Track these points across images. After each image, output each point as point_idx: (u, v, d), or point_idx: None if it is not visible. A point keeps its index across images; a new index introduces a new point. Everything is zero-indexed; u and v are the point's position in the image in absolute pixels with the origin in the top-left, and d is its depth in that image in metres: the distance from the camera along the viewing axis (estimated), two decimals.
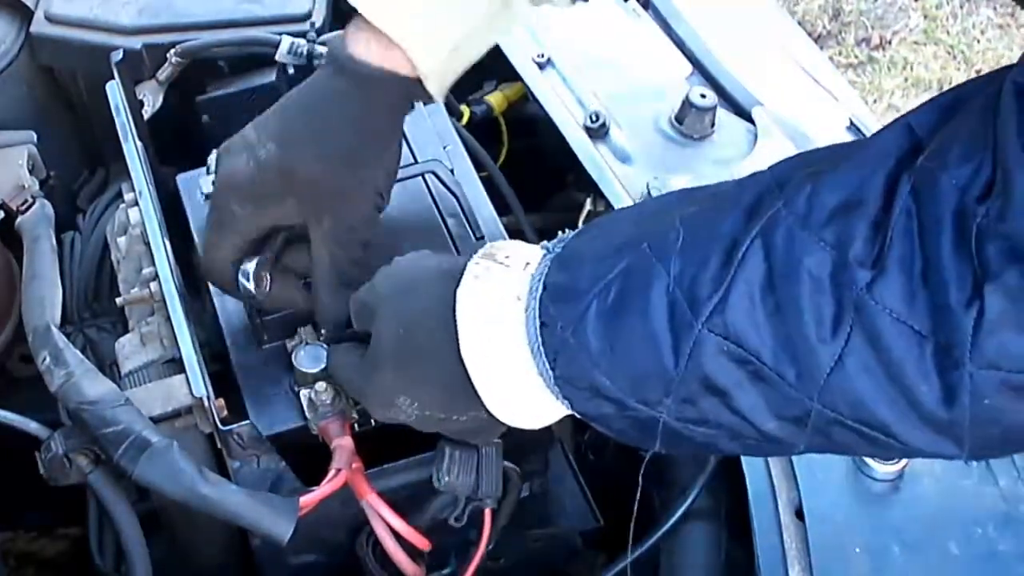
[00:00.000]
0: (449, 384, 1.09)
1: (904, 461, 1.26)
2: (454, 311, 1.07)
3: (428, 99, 1.28)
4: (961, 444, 0.87)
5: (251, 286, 1.29)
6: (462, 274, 1.08)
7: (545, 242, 1.08)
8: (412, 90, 1.26)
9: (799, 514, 1.24)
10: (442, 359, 1.08)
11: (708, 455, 1.07)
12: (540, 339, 1.01)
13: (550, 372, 1.01)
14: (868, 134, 1.63)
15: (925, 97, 3.94)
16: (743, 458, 1.29)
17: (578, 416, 1.04)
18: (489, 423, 1.11)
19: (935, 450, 0.89)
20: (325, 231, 1.28)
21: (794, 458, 1.28)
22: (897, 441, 0.88)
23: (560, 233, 1.09)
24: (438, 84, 1.25)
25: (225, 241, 1.30)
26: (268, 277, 1.30)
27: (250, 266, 1.29)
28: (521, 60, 1.74)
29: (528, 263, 1.06)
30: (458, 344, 1.06)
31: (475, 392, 1.07)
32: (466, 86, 1.83)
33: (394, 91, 1.25)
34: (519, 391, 1.06)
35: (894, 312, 0.84)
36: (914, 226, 0.84)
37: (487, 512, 1.29)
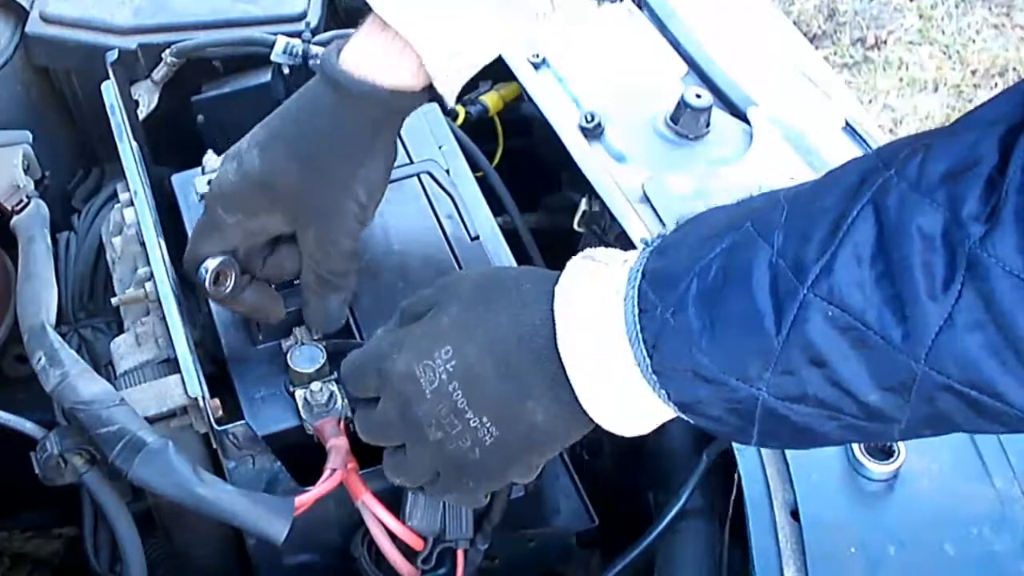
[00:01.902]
0: (546, 387, 1.06)
1: (900, 461, 1.26)
2: (551, 314, 1.05)
3: (417, 105, 1.27)
4: None
5: (207, 283, 1.30)
6: (558, 274, 1.07)
7: (644, 237, 1.06)
8: (400, 104, 1.25)
9: (794, 515, 1.24)
10: (537, 353, 1.06)
11: (802, 446, 1.02)
12: (639, 326, 0.99)
13: (647, 360, 0.98)
14: (864, 135, 1.64)
15: (921, 97, 3.94)
16: (738, 457, 1.29)
17: (675, 411, 1.01)
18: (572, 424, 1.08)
19: None
20: (310, 241, 1.29)
21: (789, 458, 1.28)
22: (1005, 403, 0.87)
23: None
24: (448, 86, 1.24)
25: (207, 242, 1.31)
26: (233, 278, 1.31)
27: (211, 263, 1.30)
28: (516, 60, 1.74)
29: (626, 260, 1.04)
30: (555, 341, 1.04)
31: (568, 394, 1.04)
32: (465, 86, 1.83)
33: (376, 105, 1.24)
34: (615, 384, 1.02)
35: (1007, 265, 0.83)
36: None
37: (459, 553, 1.29)
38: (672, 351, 0.97)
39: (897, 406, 0.91)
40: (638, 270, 1.01)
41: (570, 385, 1.04)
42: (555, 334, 1.04)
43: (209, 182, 1.49)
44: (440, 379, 1.08)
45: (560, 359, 1.03)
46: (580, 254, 1.08)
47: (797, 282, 0.90)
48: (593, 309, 1.02)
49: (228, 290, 1.31)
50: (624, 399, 1.03)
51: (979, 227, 0.84)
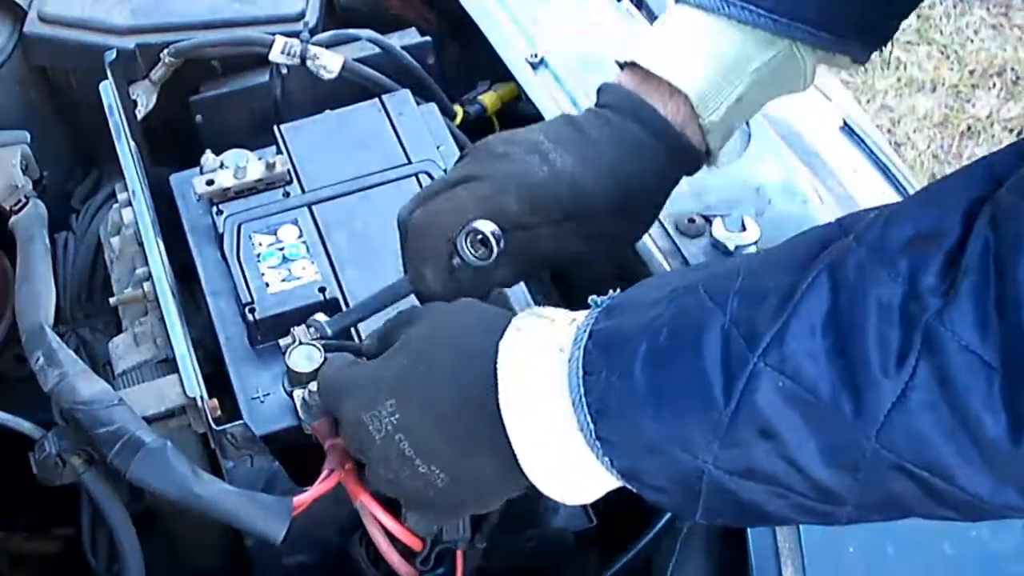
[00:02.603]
0: (481, 442, 1.03)
1: None
2: (494, 365, 1.01)
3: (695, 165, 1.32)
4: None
5: (468, 244, 1.22)
6: (504, 329, 1.03)
7: (593, 297, 1.02)
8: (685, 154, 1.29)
9: None
10: (478, 412, 1.02)
11: (749, 524, 1.01)
12: (582, 389, 0.95)
13: (591, 425, 0.95)
14: (862, 135, 1.64)
15: (919, 97, 3.93)
16: None
17: (617, 479, 0.97)
18: (503, 483, 1.07)
19: (998, 499, 0.84)
20: (600, 256, 1.32)
21: None
22: (957, 487, 0.84)
23: None
24: (719, 138, 1.28)
25: (474, 211, 1.23)
26: (495, 250, 1.22)
27: (487, 225, 1.21)
28: (514, 60, 1.74)
29: (574, 319, 1.01)
30: (497, 400, 1.00)
31: (511, 454, 1.01)
32: (460, 86, 1.83)
33: (688, 153, 1.30)
34: (557, 450, 0.98)
35: (963, 341, 0.80)
36: (990, 256, 0.81)
37: (458, 553, 1.29)
38: (617, 417, 0.94)
39: (847, 486, 0.88)
40: (585, 330, 0.98)
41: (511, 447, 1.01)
42: (496, 393, 1.00)
43: (208, 182, 1.49)
44: (387, 429, 1.07)
45: (502, 420, 1.00)
46: (526, 311, 1.05)
47: (748, 350, 0.87)
48: (535, 370, 0.99)
49: (489, 259, 1.22)
50: (567, 466, 0.99)
51: (937, 300, 0.82)
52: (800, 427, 0.86)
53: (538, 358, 0.99)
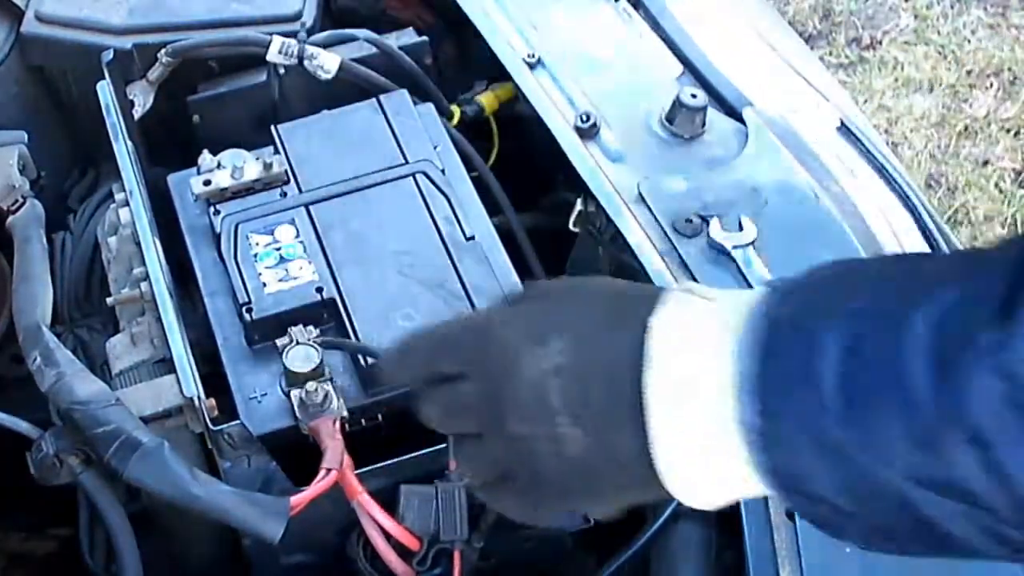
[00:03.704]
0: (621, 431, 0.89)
1: None
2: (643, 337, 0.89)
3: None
4: None
5: None
6: (658, 299, 0.91)
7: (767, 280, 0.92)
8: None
9: (790, 515, 1.24)
10: (624, 384, 0.89)
11: (919, 550, 0.83)
12: (753, 377, 0.84)
13: (756, 418, 0.83)
14: (859, 134, 1.64)
15: (916, 97, 3.93)
16: None
17: (762, 482, 0.85)
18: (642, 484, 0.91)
19: None
20: None
21: None
22: None
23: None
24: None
25: None
26: None
27: None
28: (511, 60, 1.74)
29: (743, 301, 0.88)
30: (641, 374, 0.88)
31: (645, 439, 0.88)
32: (457, 86, 1.83)
33: None
34: (702, 442, 0.87)
35: None
36: None
37: (455, 553, 1.29)
38: (791, 411, 0.82)
39: None
40: (762, 314, 0.86)
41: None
42: (642, 366, 0.88)
43: (205, 182, 1.49)
44: (543, 369, 0.92)
45: (642, 397, 0.88)
46: (680, 286, 0.93)
47: (963, 350, 0.77)
48: (692, 351, 0.88)
49: None
50: (707, 459, 0.87)
51: None
52: (1019, 437, 0.76)
53: (697, 338, 0.88)
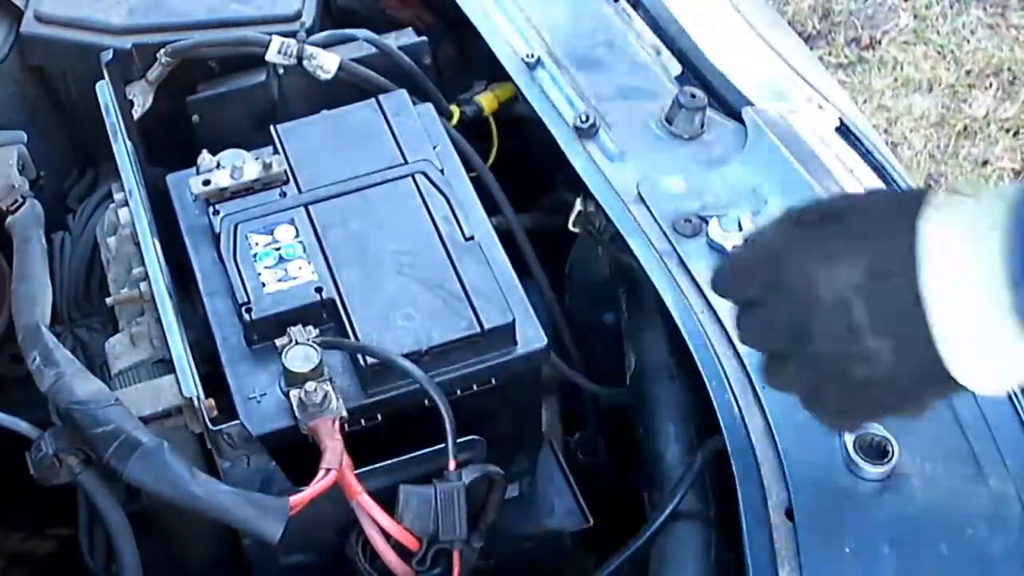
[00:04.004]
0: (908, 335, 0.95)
1: (894, 461, 1.26)
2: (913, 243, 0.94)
3: None
4: None
5: None
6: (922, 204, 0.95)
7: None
8: None
9: (789, 514, 1.24)
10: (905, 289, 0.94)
11: None
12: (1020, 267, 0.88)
13: None
14: (858, 135, 1.64)
15: (915, 97, 3.93)
16: (733, 458, 1.29)
17: None
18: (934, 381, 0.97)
19: None
20: None
21: (784, 458, 1.28)
22: None
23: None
24: None
25: None
26: None
27: None
28: (511, 60, 1.74)
29: (997, 196, 0.93)
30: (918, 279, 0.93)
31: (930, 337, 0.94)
32: (456, 86, 1.83)
33: None
34: (988, 335, 0.92)
35: None
36: None
37: (455, 553, 1.29)
38: None
39: None
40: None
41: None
42: (917, 271, 0.93)
43: (205, 182, 1.49)
44: (842, 289, 0.97)
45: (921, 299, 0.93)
46: (940, 191, 0.96)
47: None
48: (964, 252, 0.92)
49: None
50: (988, 348, 0.93)
51: None
52: None
53: (965, 238, 0.93)
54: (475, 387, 1.37)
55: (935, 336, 0.93)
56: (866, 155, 1.63)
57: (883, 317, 0.95)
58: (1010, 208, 0.90)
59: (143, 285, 1.41)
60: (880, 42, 4.06)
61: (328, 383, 1.30)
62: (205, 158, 1.54)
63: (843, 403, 1.04)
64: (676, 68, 1.75)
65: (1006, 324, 0.90)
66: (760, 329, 1.06)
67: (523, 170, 1.79)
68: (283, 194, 1.51)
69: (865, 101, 3.87)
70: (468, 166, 1.62)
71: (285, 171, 1.53)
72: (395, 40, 1.78)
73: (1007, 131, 3.79)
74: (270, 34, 1.69)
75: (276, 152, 1.56)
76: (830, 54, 4.05)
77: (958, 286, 0.92)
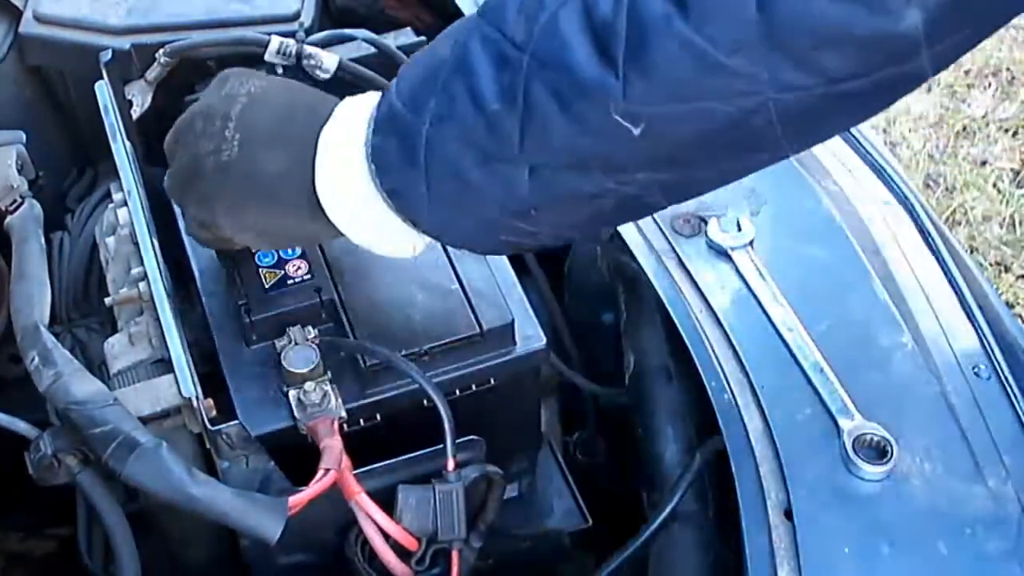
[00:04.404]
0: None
1: (893, 461, 1.26)
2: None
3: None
4: (616, 68, 0.97)
5: None
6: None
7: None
8: None
9: (788, 514, 1.24)
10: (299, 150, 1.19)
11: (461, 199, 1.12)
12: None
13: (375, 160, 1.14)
14: (856, 134, 1.64)
15: (914, 97, 3.92)
16: (732, 458, 1.29)
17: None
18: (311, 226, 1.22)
19: (597, 77, 0.98)
20: None
21: (783, 458, 1.28)
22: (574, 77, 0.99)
23: None
24: None
25: None
26: None
27: None
28: None
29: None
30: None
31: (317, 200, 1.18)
32: None
33: None
34: (348, 172, 1.16)
35: None
36: None
37: (454, 553, 1.29)
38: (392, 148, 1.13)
39: (507, 109, 1.03)
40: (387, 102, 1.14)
41: (311, 165, 1.18)
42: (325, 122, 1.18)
43: None
44: (240, 90, 1.25)
45: (317, 139, 1.18)
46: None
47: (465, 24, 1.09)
48: (358, 103, 1.19)
49: None
50: (347, 184, 1.17)
51: None
52: (486, 62, 1.05)
53: (354, 114, 1.18)
54: (474, 387, 1.37)
55: (316, 167, 1.18)
56: (864, 155, 1.63)
57: (250, 119, 1.22)
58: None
59: (142, 285, 1.41)
60: None
61: (327, 383, 1.30)
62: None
63: (194, 183, 1.26)
64: None
65: (359, 154, 1.15)
66: (174, 131, 1.32)
67: None
68: None
69: None
70: None
71: None
72: (394, 40, 1.77)
73: (1006, 131, 3.79)
74: (269, 34, 1.68)
75: None
76: None
77: (341, 141, 1.17)
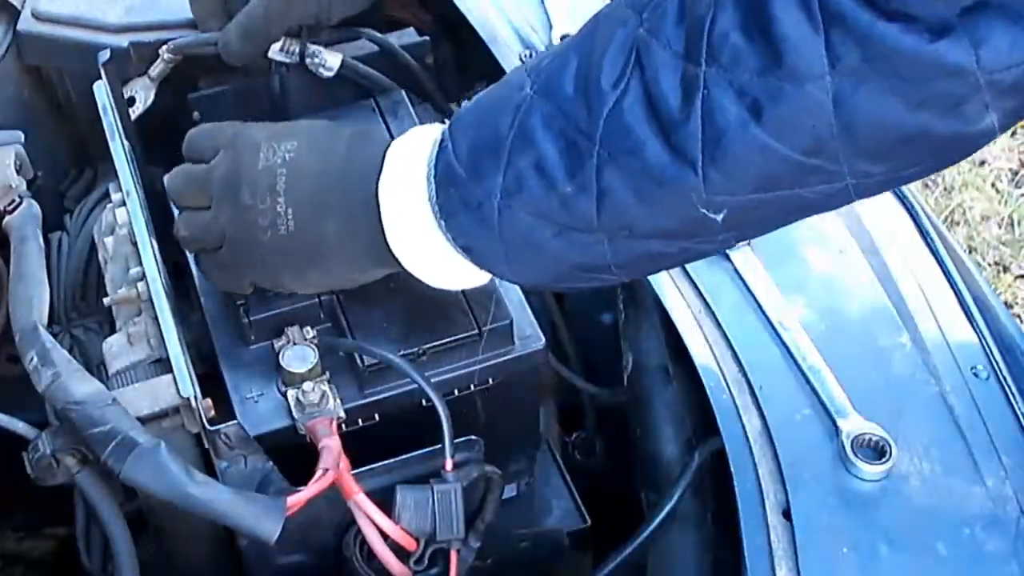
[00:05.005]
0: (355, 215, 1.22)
1: (891, 461, 1.26)
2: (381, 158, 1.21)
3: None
4: (695, 167, 0.99)
5: None
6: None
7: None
8: None
9: (787, 515, 1.24)
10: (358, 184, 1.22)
11: (536, 270, 1.16)
12: (435, 160, 1.16)
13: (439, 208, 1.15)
14: None
15: None
16: (730, 458, 1.29)
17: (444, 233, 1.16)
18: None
19: (676, 174, 1.00)
20: None
21: (782, 458, 1.28)
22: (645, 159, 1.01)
23: None
24: None
25: None
26: None
27: None
28: (510, 60, 1.74)
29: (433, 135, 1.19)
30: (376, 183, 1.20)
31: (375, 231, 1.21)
32: (454, 87, 1.83)
33: None
34: (418, 223, 1.18)
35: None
36: None
37: (452, 553, 1.29)
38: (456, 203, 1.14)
39: (580, 189, 1.06)
40: (443, 147, 1.15)
41: (377, 221, 1.20)
42: (379, 176, 1.20)
43: None
44: (275, 160, 1.24)
45: (377, 195, 1.20)
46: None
47: (526, 85, 1.10)
48: (410, 155, 1.19)
49: None
50: (419, 235, 1.18)
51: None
52: (551, 141, 1.07)
53: (412, 160, 1.19)
54: (472, 387, 1.37)
55: (384, 220, 1.19)
56: None
57: (302, 188, 1.23)
58: (443, 131, 1.17)
59: (140, 285, 1.41)
60: None
61: (326, 383, 1.30)
62: None
63: (243, 257, 1.28)
64: None
65: (426, 209, 1.16)
66: (197, 179, 1.31)
67: None
68: None
69: None
70: None
71: None
72: (397, 39, 1.77)
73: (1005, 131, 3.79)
74: None
75: None
76: None
77: (403, 191, 1.18)
